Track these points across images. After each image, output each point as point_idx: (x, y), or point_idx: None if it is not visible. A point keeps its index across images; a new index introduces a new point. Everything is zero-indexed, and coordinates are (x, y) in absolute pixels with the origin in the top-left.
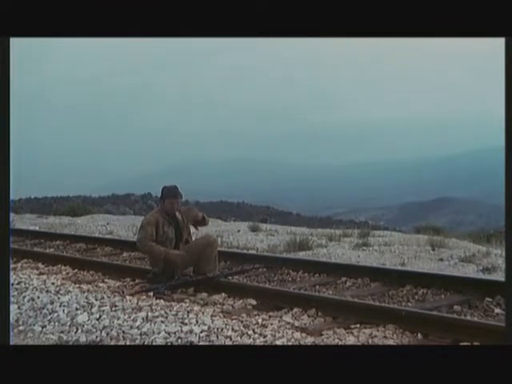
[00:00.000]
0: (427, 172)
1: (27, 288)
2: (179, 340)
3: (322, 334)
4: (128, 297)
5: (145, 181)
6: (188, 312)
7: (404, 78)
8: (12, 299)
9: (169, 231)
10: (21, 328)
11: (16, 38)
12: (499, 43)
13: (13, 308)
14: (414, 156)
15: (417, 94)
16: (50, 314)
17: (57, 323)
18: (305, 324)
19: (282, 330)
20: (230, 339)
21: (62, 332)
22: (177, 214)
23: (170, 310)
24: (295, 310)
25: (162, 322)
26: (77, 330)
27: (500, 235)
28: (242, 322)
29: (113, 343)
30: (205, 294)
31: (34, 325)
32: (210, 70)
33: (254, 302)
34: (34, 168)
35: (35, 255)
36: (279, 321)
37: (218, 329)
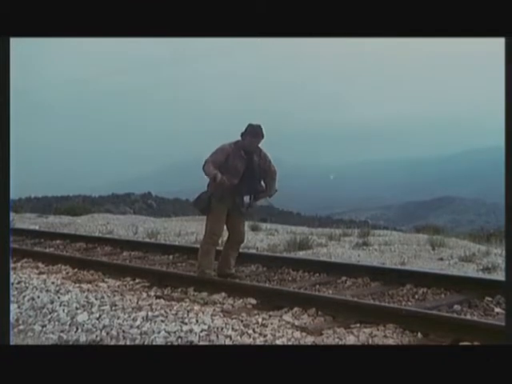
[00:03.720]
0: (427, 172)
1: (27, 287)
2: (179, 339)
3: (322, 334)
4: (128, 296)
5: (145, 180)
6: (188, 311)
7: (404, 78)
8: (12, 299)
9: (238, 165)
10: (21, 328)
11: (16, 38)
12: (499, 43)
13: (13, 307)
14: (414, 156)
15: (417, 94)
16: (49, 313)
17: (57, 323)
18: (305, 323)
19: (282, 329)
20: (230, 339)
21: (61, 331)
22: (255, 156)
23: (170, 310)
24: (295, 309)
25: (162, 321)
26: (77, 329)
27: (500, 234)
28: (242, 321)
29: (113, 343)
30: (205, 294)
31: (34, 324)
32: (209, 70)
33: (253, 301)
34: (34, 168)
35: (35, 254)
36: (279, 320)
37: (218, 328)
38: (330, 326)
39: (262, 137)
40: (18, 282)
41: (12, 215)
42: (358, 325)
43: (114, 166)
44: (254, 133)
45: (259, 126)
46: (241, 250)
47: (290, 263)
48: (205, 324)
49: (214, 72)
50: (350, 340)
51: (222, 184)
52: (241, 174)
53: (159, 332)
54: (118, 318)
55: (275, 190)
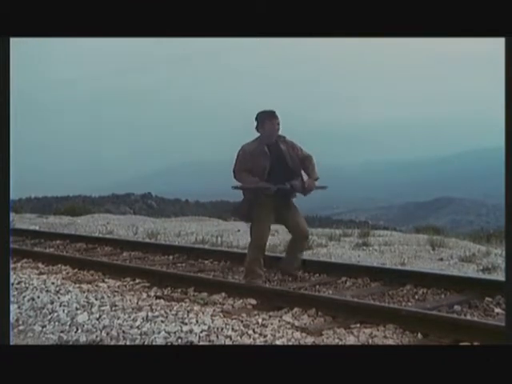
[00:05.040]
0: (427, 172)
1: (27, 288)
2: (179, 340)
3: (322, 334)
4: (128, 296)
5: (145, 180)
6: (188, 312)
7: (404, 78)
8: (12, 299)
9: (264, 162)
10: (21, 328)
11: (16, 37)
12: (499, 43)
13: (13, 308)
14: (414, 156)
15: (417, 94)
16: (49, 313)
17: (57, 323)
18: (305, 324)
19: (282, 329)
20: (230, 339)
21: (62, 332)
22: (281, 144)
23: (170, 310)
24: (295, 309)
25: (162, 321)
26: (77, 329)
27: (500, 235)
28: (242, 321)
29: (113, 343)
30: (205, 294)
31: (34, 325)
32: (209, 70)
33: (253, 301)
34: (34, 168)
35: (35, 255)
36: (279, 320)
37: (218, 328)
38: (330, 326)
39: (278, 119)
40: (18, 283)
41: (12, 215)
42: (358, 325)
43: (114, 166)
44: (269, 116)
45: (271, 110)
46: (240, 251)
47: None
48: (205, 324)
49: (214, 71)
50: (350, 340)
51: (268, 187)
52: (270, 169)
53: (159, 332)
54: (118, 319)
55: (317, 176)
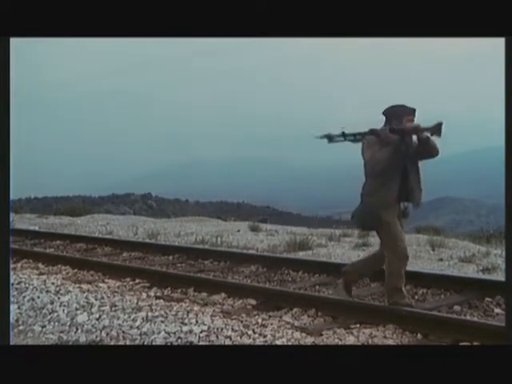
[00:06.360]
0: (427, 172)
1: (27, 288)
2: (179, 340)
3: (321, 334)
4: (128, 296)
5: (145, 181)
6: (188, 312)
7: (404, 78)
8: (12, 299)
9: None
10: (21, 328)
11: (16, 37)
12: (499, 43)
13: (13, 308)
14: None
15: (416, 94)
16: (49, 313)
17: (57, 323)
18: (305, 324)
19: (281, 329)
20: (230, 339)
21: (61, 332)
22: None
23: (170, 310)
24: (295, 309)
25: (162, 321)
26: (77, 329)
27: (500, 235)
28: (241, 321)
29: (113, 343)
30: (204, 294)
31: (34, 325)
32: (209, 71)
33: (253, 301)
34: (34, 168)
35: (35, 255)
36: (279, 321)
37: (217, 329)
38: (330, 326)
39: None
40: (18, 283)
41: (12, 216)
42: (358, 325)
43: (114, 166)
44: (409, 113)
45: (412, 107)
46: (239, 251)
47: (290, 264)
48: (204, 324)
49: (212, 71)
50: (350, 340)
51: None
52: (391, 168)
53: (159, 333)
54: (118, 319)
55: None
